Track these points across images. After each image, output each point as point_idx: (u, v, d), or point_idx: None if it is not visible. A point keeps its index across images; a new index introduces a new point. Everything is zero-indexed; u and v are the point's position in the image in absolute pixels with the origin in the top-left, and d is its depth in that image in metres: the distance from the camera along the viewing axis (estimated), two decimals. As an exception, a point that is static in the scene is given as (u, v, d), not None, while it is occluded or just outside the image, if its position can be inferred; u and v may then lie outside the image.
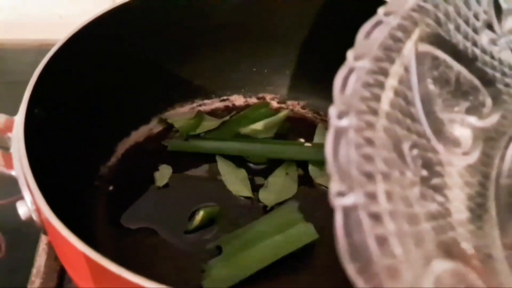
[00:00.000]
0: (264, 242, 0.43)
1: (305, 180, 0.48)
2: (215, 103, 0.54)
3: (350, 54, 0.28)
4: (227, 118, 0.53)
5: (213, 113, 0.54)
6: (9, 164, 0.38)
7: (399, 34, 0.29)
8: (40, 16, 0.66)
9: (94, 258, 0.31)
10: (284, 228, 0.43)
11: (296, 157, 0.49)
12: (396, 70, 0.28)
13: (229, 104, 0.54)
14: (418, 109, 0.28)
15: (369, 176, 0.25)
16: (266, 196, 0.47)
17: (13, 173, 0.37)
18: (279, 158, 0.49)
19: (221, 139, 0.51)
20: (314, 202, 0.47)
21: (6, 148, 0.39)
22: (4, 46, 0.66)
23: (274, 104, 0.55)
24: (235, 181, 0.48)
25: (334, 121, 0.26)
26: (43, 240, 0.45)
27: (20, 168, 0.36)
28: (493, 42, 0.33)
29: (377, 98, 0.27)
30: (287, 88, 0.55)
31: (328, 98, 0.49)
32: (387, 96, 0.27)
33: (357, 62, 0.28)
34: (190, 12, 0.50)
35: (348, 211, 0.24)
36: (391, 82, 0.28)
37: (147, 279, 0.30)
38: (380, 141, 0.26)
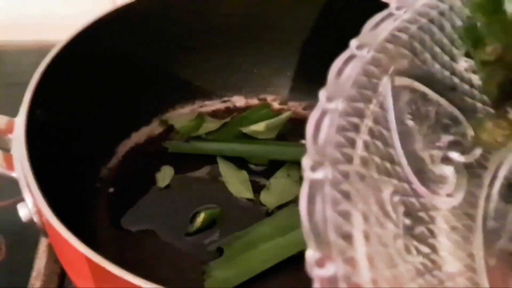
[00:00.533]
0: (265, 245, 0.42)
1: None
2: (216, 104, 0.53)
3: (322, 94, 0.26)
4: (228, 119, 0.52)
5: (214, 114, 0.52)
6: (10, 165, 0.38)
7: (374, 69, 0.27)
8: (40, 17, 0.66)
9: (95, 260, 0.31)
10: (286, 231, 0.42)
11: (298, 158, 0.50)
12: (371, 109, 0.26)
13: (230, 105, 0.53)
14: (397, 150, 0.26)
15: (348, 239, 0.23)
16: (268, 198, 0.46)
17: (14, 174, 0.38)
18: (280, 159, 0.48)
19: (222, 141, 0.50)
20: None
21: (7, 150, 0.39)
22: (4, 48, 0.66)
23: (276, 105, 0.53)
24: (237, 183, 0.47)
25: (308, 174, 0.24)
26: (44, 242, 0.44)
27: (21, 169, 0.36)
28: (471, 69, 0.30)
29: (353, 144, 0.25)
30: (289, 89, 0.53)
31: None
32: (363, 140, 0.25)
33: (330, 104, 0.25)
34: (191, 13, 0.48)
35: (328, 283, 0.22)
36: (367, 123, 0.26)
37: (149, 281, 0.30)
38: (358, 194, 0.24)
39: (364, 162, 0.25)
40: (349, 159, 0.24)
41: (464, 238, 0.27)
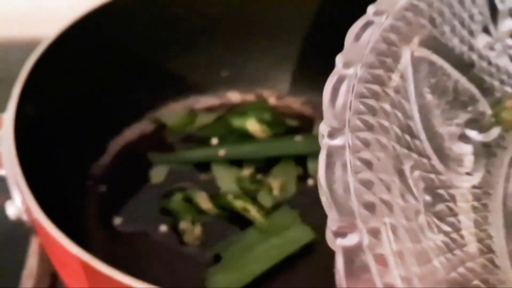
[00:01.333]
0: (261, 246, 0.41)
1: (303, 179, 0.45)
2: (210, 100, 0.51)
3: (339, 60, 0.24)
4: (221, 113, 0.50)
5: (208, 110, 0.51)
6: (-3, 162, 0.38)
7: (393, 36, 0.26)
8: (30, 11, 0.66)
9: (86, 259, 0.31)
10: (280, 231, 0.42)
11: (293, 152, 0.47)
12: (391, 77, 0.25)
13: (225, 101, 0.52)
14: (417, 123, 0.25)
15: (371, 208, 0.21)
16: (264, 197, 0.44)
17: (1, 172, 0.37)
18: (275, 156, 0.47)
19: (210, 147, 0.48)
20: (313, 201, 0.47)
21: (-6, 146, 0.39)
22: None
23: (272, 100, 0.52)
24: (230, 182, 0.45)
25: (326, 141, 0.22)
26: (35, 241, 0.43)
27: (9, 167, 0.36)
28: (490, 46, 0.30)
29: (373, 111, 0.23)
30: (286, 84, 0.52)
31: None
32: (383, 108, 0.24)
33: (348, 69, 0.24)
34: (185, 6, 0.47)
35: (351, 253, 0.21)
36: (387, 91, 0.24)
37: (144, 282, 0.30)
38: (380, 163, 0.22)
39: (385, 131, 0.23)
40: (369, 127, 0.23)
41: (483, 218, 0.26)
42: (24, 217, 0.35)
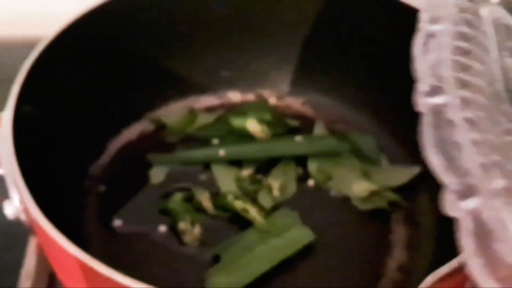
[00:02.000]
0: (261, 247, 0.41)
1: (303, 180, 0.46)
2: (210, 99, 0.51)
3: (424, 15, 0.23)
4: (222, 113, 0.50)
5: (208, 109, 0.51)
6: (-5, 162, 0.37)
7: None
8: (29, 11, 0.66)
9: (84, 259, 0.31)
10: (280, 232, 0.41)
11: (293, 152, 0.47)
12: (477, 35, 0.23)
13: (225, 101, 0.52)
14: (501, 86, 0.24)
15: (486, 169, 0.20)
16: (264, 197, 0.44)
17: (0, 171, 0.37)
18: (276, 156, 0.47)
19: (210, 147, 0.48)
20: (313, 202, 0.44)
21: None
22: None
23: (273, 100, 0.52)
24: (230, 183, 0.46)
25: (426, 100, 0.21)
26: (33, 241, 0.46)
27: (7, 166, 0.36)
28: None
29: (468, 69, 0.22)
30: (286, 84, 0.52)
31: (328, 93, 0.48)
32: (475, 67, 0.22)
33: (435, 25, 0.23)
34: (185, 5, 0.47)
35: (473, 216, 0.19)
36: (476, 50, 0.23)
37: (143, 283, 0.29)
38: (482, 123, 0.21)
39: (480, 90, 0.22)
40: (466, 85, 0.22)
41: None
42: (22, 217, 0.34)
